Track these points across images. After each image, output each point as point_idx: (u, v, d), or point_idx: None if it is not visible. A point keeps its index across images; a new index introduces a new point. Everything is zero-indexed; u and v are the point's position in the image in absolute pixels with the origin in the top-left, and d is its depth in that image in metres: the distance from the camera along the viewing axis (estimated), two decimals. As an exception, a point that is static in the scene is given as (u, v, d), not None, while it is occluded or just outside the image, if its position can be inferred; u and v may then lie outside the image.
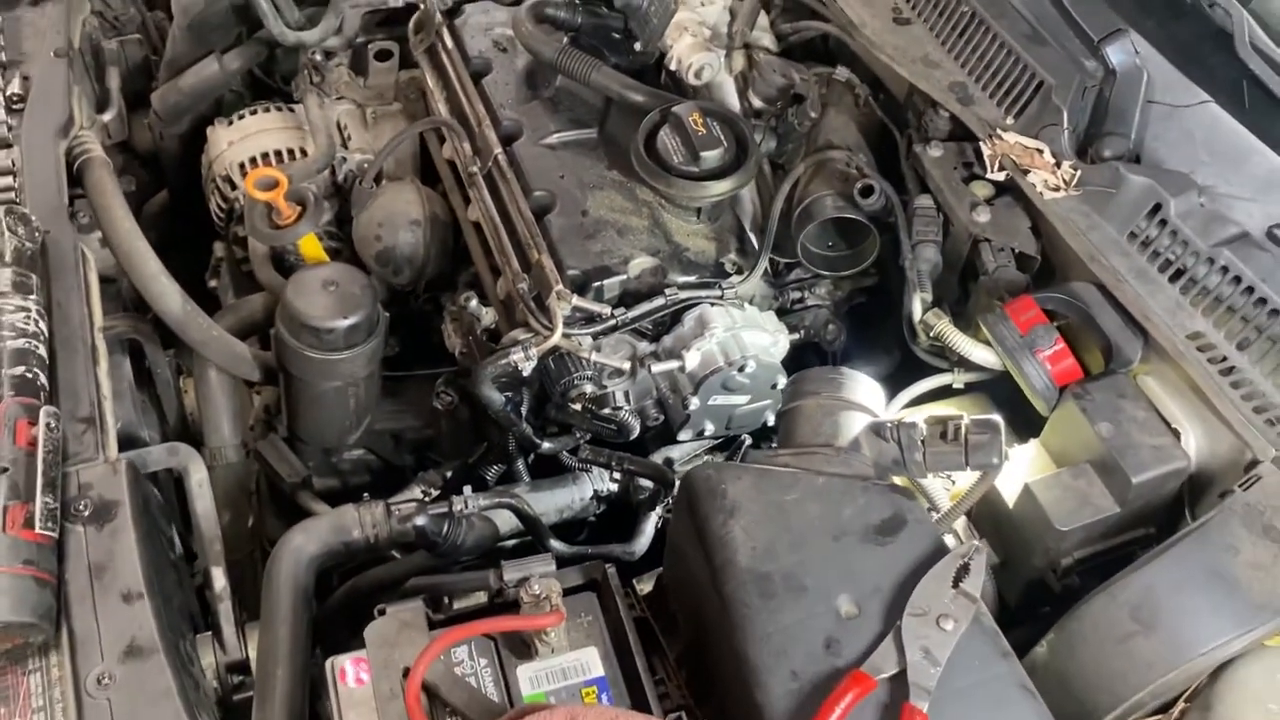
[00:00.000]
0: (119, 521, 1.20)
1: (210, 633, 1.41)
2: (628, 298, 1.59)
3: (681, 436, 1.63)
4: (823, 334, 1.78)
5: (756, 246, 1.67)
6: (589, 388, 1.54)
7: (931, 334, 1.54)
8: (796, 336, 1.70)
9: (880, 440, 1.26)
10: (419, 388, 1.79)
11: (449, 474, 1.68)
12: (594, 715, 1.07)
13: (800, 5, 1.88)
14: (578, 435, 1.60)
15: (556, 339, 1.49)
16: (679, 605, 1.29)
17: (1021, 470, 1.40)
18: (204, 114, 2.08)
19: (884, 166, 1.69)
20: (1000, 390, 1.53)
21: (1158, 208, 1.39)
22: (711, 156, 1.59)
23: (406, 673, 1.10)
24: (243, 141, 1.98)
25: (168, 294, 1.57)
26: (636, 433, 1.59)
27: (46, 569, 1.13)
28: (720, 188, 1.59)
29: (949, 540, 1.30)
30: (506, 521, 1.53)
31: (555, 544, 1.51)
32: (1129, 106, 1.50)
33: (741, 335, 1.55)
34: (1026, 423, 1.46)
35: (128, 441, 1.53)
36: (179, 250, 2.00)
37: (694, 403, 1.56)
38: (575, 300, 1.52)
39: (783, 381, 1.58)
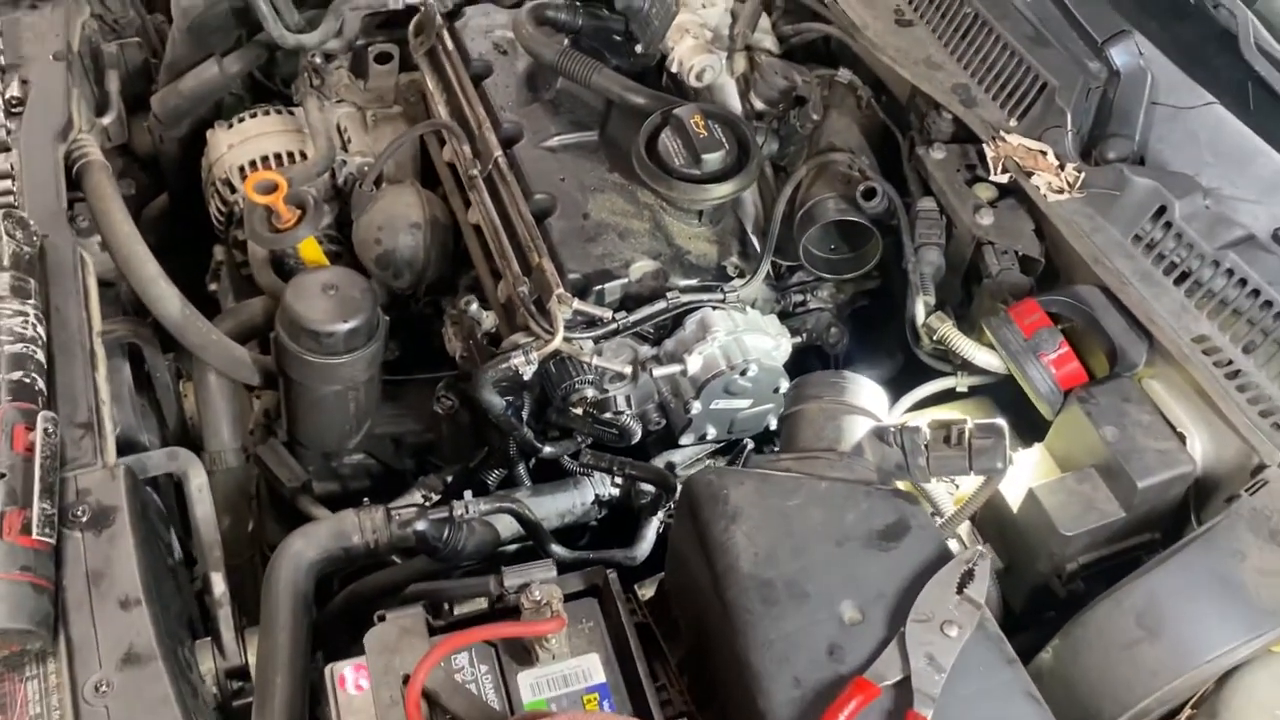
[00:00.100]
0: (117, 527, 1.19)
1: (210, 638, 1.41)
2: (629, 301, 1.58)
3: (683, 440, 1.62)
4: (825, 337, 1.77)
5: (758, 249, 1.66)
6: (590, 392, 1.53)
7: (935, 337, 1.53)
8: (799, 340, 1.69)
9: (883, 445, 1.25)
10: (419, 392, 1.78)
11: (449, 478, 1.67)
12: (595, 723, 1.06)
13: (802, 7, 1.87)
14: (579, 439, 1.59)
15: (557, 343, 1.49)
16: (681, 611, 1.28)
17: (1026, 474, 1.39)
18: (204, 117, 2.07)
19: (886, 169, 1.69)
20: (1004, 393, 1.52)
21: (1162, 210, 1.38)
22: (713, 159, 1.58)
23: (406, 680, 1.10)
24: (243, 145, 1.97)
25: (167, 298, 1.57)
26: (638, 437, 1.58)
27: (44, 575, 1.12)
28: (722, 190, 1.59)
29: (953, 545, 1.29)
30: (507, 526, 1.52)
31: (556, 549, 1.50)
32: (1133, 108, 1.50)
33: (743, 339, 1.54)
34: (1031, 426, 1.46)
35: (127, 446, 1.53)
36: (179, 253, 1.99)
37: (696, 407, 1.55)
38: (576, 304, 1.51)
39: (785, 385, 1.57)
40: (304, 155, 1.95)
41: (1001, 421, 1.23)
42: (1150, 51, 1.51)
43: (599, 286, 1.55)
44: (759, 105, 1.80)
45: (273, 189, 1.63)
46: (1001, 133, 1.53)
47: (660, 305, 1.56)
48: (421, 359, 1.87)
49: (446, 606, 1.30)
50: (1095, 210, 1.45)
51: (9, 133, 1.58)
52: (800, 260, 1.66)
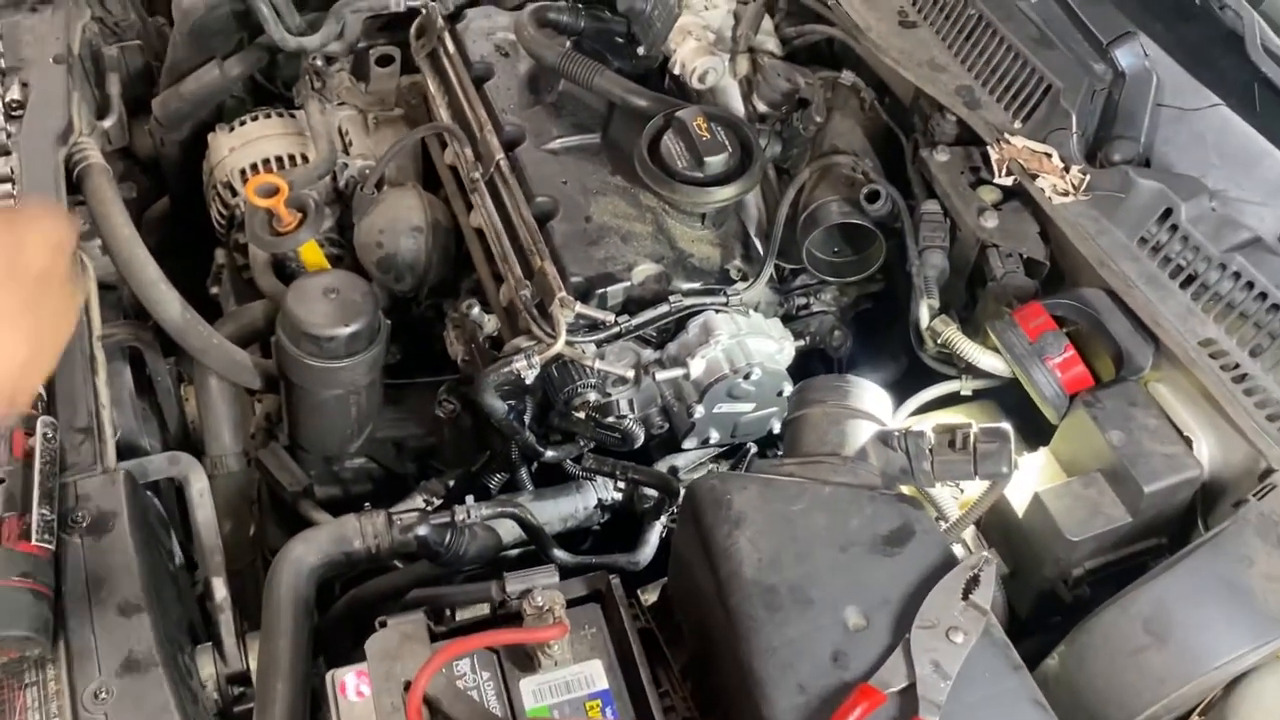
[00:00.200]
0: (117, 533, 1.19)
1: (211, 643, 1.40)
2: (631, 305, 1.57)
3: (686, 444, 1.61)
4: (828, 340, 1.76)
5: (761, 252, 1.65)
6: (593, 396, 1.52)
7: (939, 341, 1.52)
8: (802, 343, 1.68)
9: (888, 449, 1.24)
10: (421, 395, 1.78)
11: (451, 482, 1.67)
12: (598, 730, 1.05)
13: (805, 9, 1.86)
14: (581, 443, 1.59)
15: (560, 347, 1.48)
16: (684, 616, 1.27)
17: (1031, 479, 1.38)
18: (205, 120, 2.07)
19: (890, 171, 1.68)
20: (1009, 397, 1.51)
21: (1168, 212, 1.37)
22: (716, 162, 1.57)
23: (408, 686, 1.09)
24: (244, 148, 1.97)
25: (167, 302, 1.56)
26: (640, 441, 1.58)
27: (43, 582, 1.11)
28: (725, 193, 1.58)
29: (958, 550, 1.28)
30: (510, 531, 1.51)
31: (559, 553, 1.50)
32: (1138, 110, 1.49)
33: (746, 342, 1.53)
34: (1036, 430, 1.45)
35: (128, 450, 1.53)
36: (180, 256, 1.99)
37: (699, 411, 1.54)
38: (578, 307, 1.50)
39: (788, 389, 1.56)
40: (305, 158, 1.94)
41: (1006, 426, 1.22)
42: (1155, 53, 1.50)
43: (601, 290, 1.54)
44: (762, 107, 1.79)
45: (274, 192, 1.63)
46: (1006, 135, 1.53)
47: (663, 309, 1.55)
48: (423, 362, 1.86)
49: (448, 612, 1.29)
50: (1100, 213, 1.44)
51: (9, 136, 1.58)
52: (803, 263, 1.65)
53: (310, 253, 1.75)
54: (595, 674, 1.14)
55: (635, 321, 1.54)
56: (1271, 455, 1.23)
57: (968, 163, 1.59)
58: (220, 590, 1.45)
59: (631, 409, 1.58)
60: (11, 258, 0.86)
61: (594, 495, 1.63)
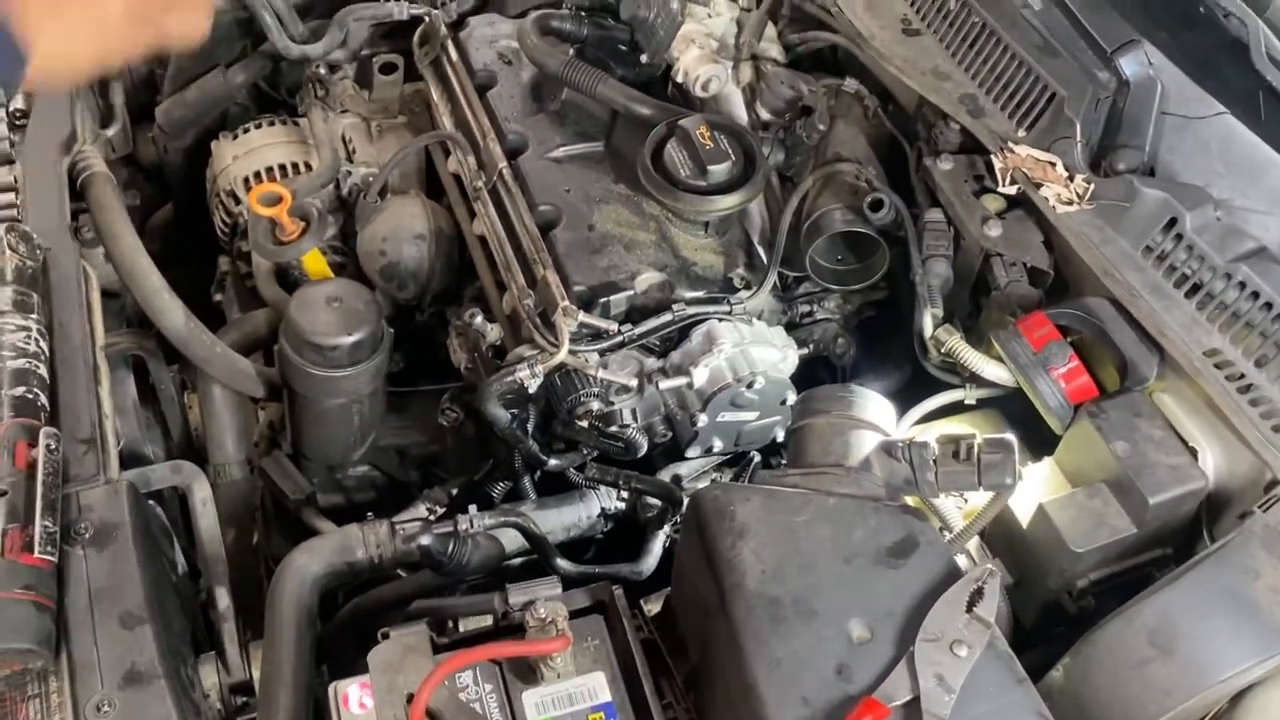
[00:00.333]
0: (120, 544, 1.19)
1: (214, 653, 1.40)
2: (635, 313, 1.57)
3: (690, 453, 1.61)
4: (832, 348, 1.76)
5: (765, 260, 1.65)
6: (596, 405, 1.52)
7: (943, 350, 1.52)
8: (805, 351, 1.68)
9: (891, 460, 1.24)
10: (424, 403, 1.78)
11: (454, 491, 1.67)
12: (601, 743, 1.05)
13: (808, 16, 1.86)
14: (584, 452, 1.59)
15: (562, 356, 1.48)
16: (687, 627, 1.27)
17: (1036, 489, 1.38)
18: (208, 127, 2.07)
19: (893, 179, 1.68)
20: (1013, 406, 1.51)
21: (1173, 222, 1.37)
22: (719, 170, 1.57)
23: (411, 698, 1.09)
24: (247, 156, 1.97)
25: (170, 310, 1.56)
26: (644, 450, 1.57)
27: (46, 594, 1.11)
28: (728, 202, 1.58)
29: (962, 561, 1.28)
30: (513, 540, 1.51)
31: (562, 563, 1.49)
32: (1143, 118, 1.48)
33: (750, 351, 1.53)
34: (1040, 439, 1.44)
35: (132, 458, 1.53)
36: (184, 263, 1.99)
37: (702, 419, 1.54)
38: (581, 316, 1.50)
39: (792, 397, 1.56)
40: (309, 166, 1.94)
41: (1011, 436, 1.22)
42: (1160, 61, 1.49)
43: (604, 299, 1.54)
44: (765, 115, 1.79)
45: (277, 201, 1.63)
46: (1010, 144, 1.52)
47: (666, 317, 1.55)
48: (426, 370, 1.86)
49: (451, 623, 1.29)
50: (1105, 222, 1.43)
51: (12, 145, 1.58)
52: (807, 271, 1.65)
53: (313, 261, 1.75)
54: (598, 686, 1.14)
55: (638, 330, 1.54)
56: (1277, 466, 1.23)
57: (971, 171, 1.59)
58: (223, 599, 1.45)
59: (634, 418, 1.58)
60: None
61: (597, 504, 1.63)
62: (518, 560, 1.55)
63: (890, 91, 1.78)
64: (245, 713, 1.39)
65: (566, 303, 1.50)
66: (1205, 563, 1.18)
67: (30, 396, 1.25)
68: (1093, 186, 1.45)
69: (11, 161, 1.56)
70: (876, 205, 1.59)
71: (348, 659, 1.35)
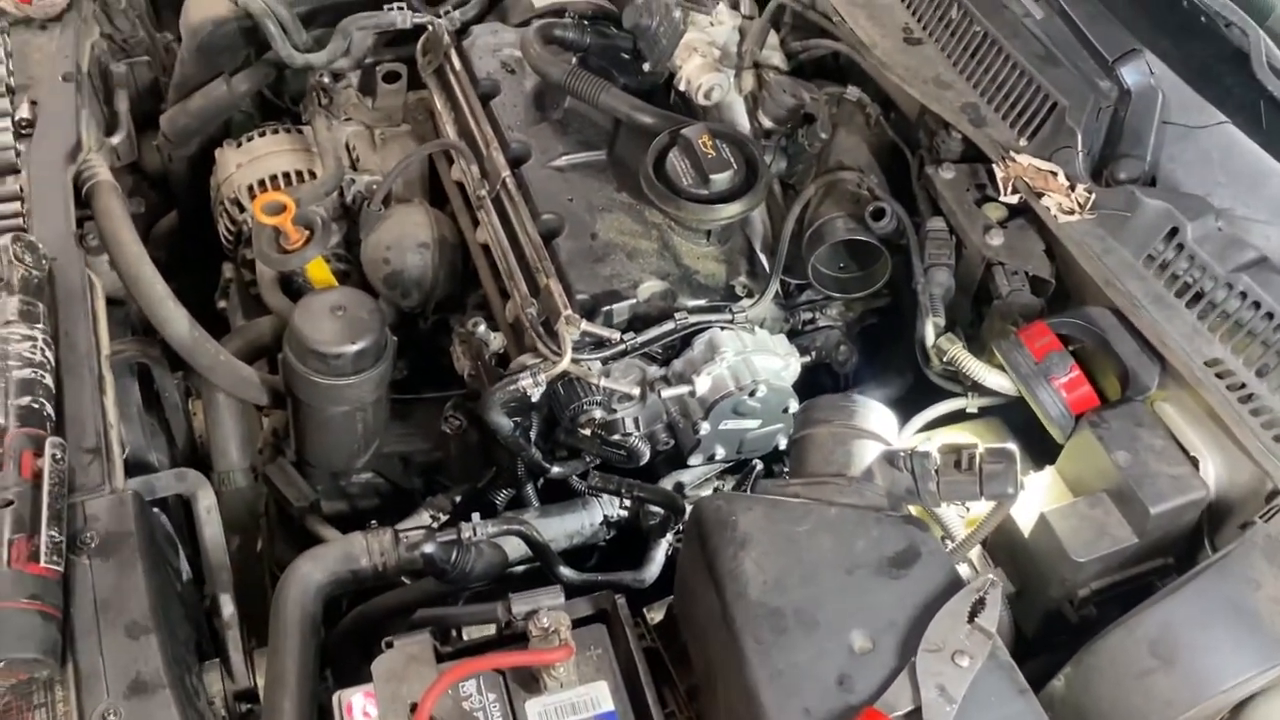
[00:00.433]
0: (125, 554, 1.20)
1: (218, 660, 1.41)
2: (637, 322, 1.57)
3: (692, 461, 1.62)
4: (834, 355, 1.76)
5: (767, 268, 1.65)
6: (598, 413, 1.52)
7: (945, 359, 1.52)
8: (808, 358, 1.68)
9: (893, 469, 1.24)
10: (428, 410, 1.78)
11: (458, 498, 1.67)
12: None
13: (810, 24, 1.86)
14: (587, 460, 1.59)
15: (565, 364, 1.48)
16: (689, 637, 1.27)
17: (1037, 498, 1.38)
18: (213, 135, 2.08)
19: (895, 187, 1.68)
20: (1015, 414, 1.51)
21: (1174, 231, 1.37)
22: (721, 179, 1.57)
23: (414, 708, 1.09)
24: (251, 164, 1.98)
25: (175, 319, 1.57)
26: (646, 458, 1.58)
27: (52, 603, 1.12)
28: (730, 211, 1.58)
29: (964, 570, 1.28)
30: (516, 547, 1.52)
31: (565, 571, 1.50)
32: (1144, 128, 1.48)
33: (752, 359, 1.53)
34: (1042, 448, 1.44)
35: (136, 465, 1.54)
36: (188, 270, 2.01)
37: (704, 428, 1.54)
38: (584, 325, 1.50)
39: (794, 405, 1.57)
40: (312, 174, 1.95)
41: (1013, 446, 1.22)
42: (1161, 70, 1.49)
43: (607, 307, 1.55)
44: (767, 123, 1.79)
45: (281, 210, 1.63)
46: (1011, 153, 1.52)
47: (668, 326, 1.56)
48: (430, 377, 1.87)
49: (454, 632, 1.30)
50: (1106, 231, 1.43)
51: (19, 154, 1.59)
52: (809, 279, 1.66)
53: (317, 269, 1.76)
54: (601, 695, 1.15)
55: (641, 339, 1.54)
56: (1278, 476, 1.23)
57: (973, 180, 1.59)
58: (228, 607, 1.46)
59: (637, 426, 1.59)
60: None
61: (600, 512, 1.63)
62: (520, 568, 1.56)
63: (892, 100, 1.78)
64: (249, 720, 1.39)
65: (569, 311, 1.51)
66: (1206, 573, 1.18)
67: (36, 406, 1.25)
68: (1094, 196, 1.45)
69: (17, 171, 1.57)
70: (879, 214, 1.59)
71: (351, 666, 1.36)
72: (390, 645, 1.19)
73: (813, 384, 1.71)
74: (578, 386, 1.51)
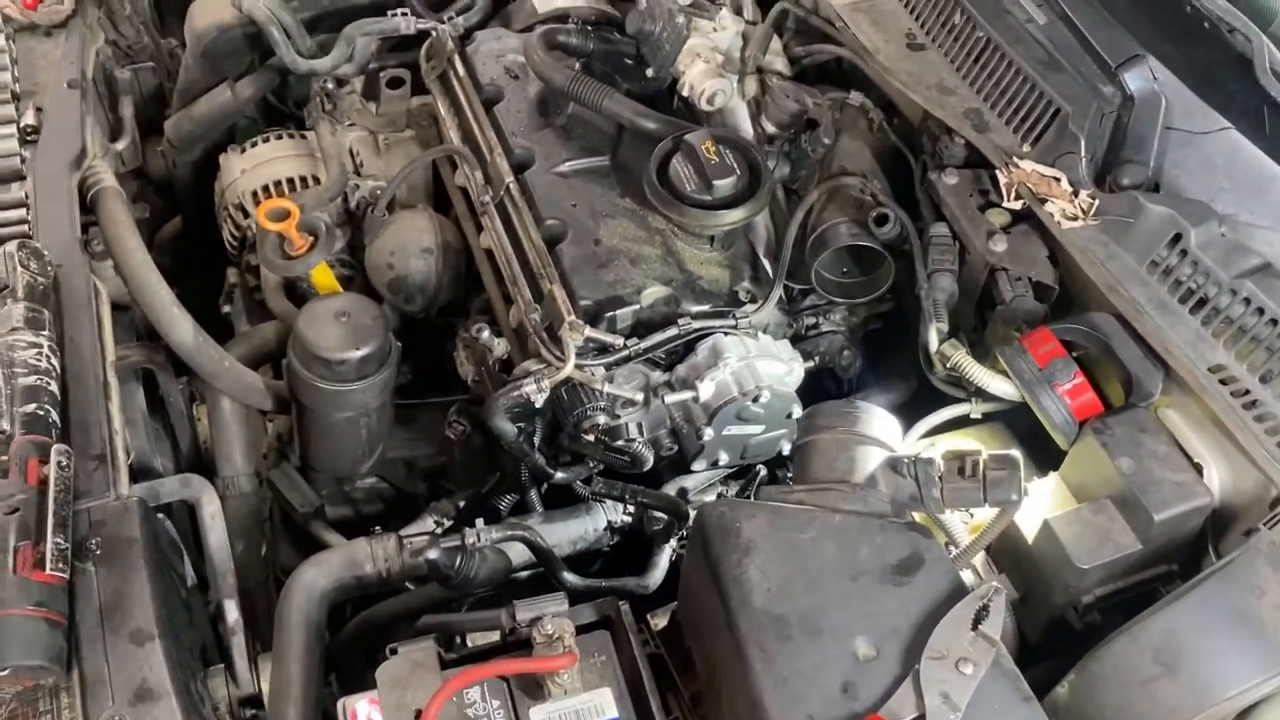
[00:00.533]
0: (130, 561, 1.20)
1: (223, 665, 1.41)
2: (640, 328, 1.58)
3: (696, 466, 1.62)
4: (838, 361, 1.76)
5: (770, 274, 1.65)
6: (602, 419, 1.53)
7: (948, 365, 1.52)
8: (811, 363, 1.69)
9: (897, 476, 1.25)
10: (432, 416, 1.79)
11: (462, 503, 1.67)
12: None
13: (813, 29, 1.87)
14: (591, 465, 1.59)
15: (569, 370, 1.49)
16: (693, 644, 1.28)
17: (1041, 504, 1.38)
18: (217, 141, 2.08)
19: (899, 192, 1.68)
20: (1019, 420, 1.51)
21: (1178, 237, 1.37)
22: (724, 185, 1.58)
23: (419, 715, 1.10)
24: (255, 170, 1.98)
25: (179, 325, 1.57)
26: (650, 464, 1.58)
27: (58, 610, 1.12)
28: (733, 216, 1.58)
29: (967, 576, 1.28)
30: (520, 553, 1.52)
31: (568, 576, 1.50)
32: (1147, 133, 1.48)
33: (756, 365, 1.54)
34: (1046, 454, 1.45)
35: (141, 471, 1.54)
36: (193, 275, 2.01)
37: (708, 433, 1.54)
38: (587, 331, 1.51)
39: (798, 411, 1.57)
40: (316, 179, 1.95)
41: (1016, 453, 1.22)
42: (1164, 76, 1.49)
43: (610, 313, 1.55)
44: (770, 128, 1.79)
45: (285, 216, 1.64)
46: (1014, 158, 1.53)
47: (672, 331, 1.56)
48: (434, 381, 1.87)
49: (458, 639, 1.30)
50: (1110, 237, 1.43)
51: (24, 161, 1.59)
52: (812, 284, 1.66)
53: (321, 275, 1.76)
54: (605, 702, 1.15)
55: (644, 344, 1.55)
56: (1282, 483, 1.23)
57: (976, 185, 1.60)
58: (232, 613, 1.46)
59: (640, 431, 1.59)
60: None
61: (603, 517, 1.63)
62: (524, 573, 1.56)
63: (895, 105, 1.78)
64: (254, 726, 1.39)
65: (573, 317, 1.51)
66: (1210, 580, 1.18)
67: (42, 413, 1.25)
68: (1097, 202, 1.45)
69: (22, 177, 1.58)
70: (882, 219, 1.59)
71: (356, 671, 1.36)
72: (395, 651, 1.19)
73: (816, 389, 1.71)
74: (581, 392, 1.52)
